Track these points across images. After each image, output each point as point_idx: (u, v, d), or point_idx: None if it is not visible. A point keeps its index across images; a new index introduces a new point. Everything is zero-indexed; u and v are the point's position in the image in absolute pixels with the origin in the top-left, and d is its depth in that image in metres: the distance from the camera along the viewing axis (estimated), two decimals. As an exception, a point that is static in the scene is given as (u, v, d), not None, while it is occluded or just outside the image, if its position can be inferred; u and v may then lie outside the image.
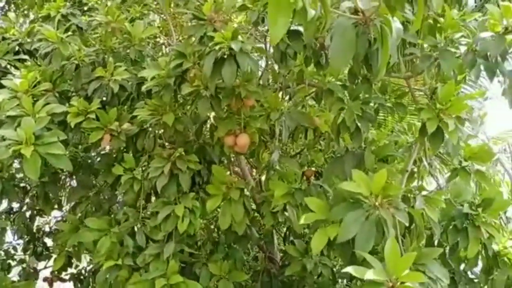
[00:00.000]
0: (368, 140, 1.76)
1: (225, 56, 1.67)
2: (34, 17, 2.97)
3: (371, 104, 1.67)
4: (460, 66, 1.51)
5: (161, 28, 3.29)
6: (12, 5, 3.72)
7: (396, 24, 1.28)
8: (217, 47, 1.62)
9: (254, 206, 2.40)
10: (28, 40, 2.63)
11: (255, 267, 2.79)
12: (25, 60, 2.51)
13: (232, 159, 2.49)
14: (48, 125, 1.87)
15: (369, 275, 1.09)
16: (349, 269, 1.14)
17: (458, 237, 1.62)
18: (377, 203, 1.35)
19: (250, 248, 2.98)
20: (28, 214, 2.82)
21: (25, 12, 3.38)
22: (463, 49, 1.51)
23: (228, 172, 2.47)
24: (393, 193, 1.38)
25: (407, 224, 1.37)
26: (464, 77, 1.64)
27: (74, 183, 2.81)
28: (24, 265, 2.90)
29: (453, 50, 1.52)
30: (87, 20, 2.53)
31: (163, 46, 3.28)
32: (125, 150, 2.10)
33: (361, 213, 1.36)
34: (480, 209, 1.61)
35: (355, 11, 1.29)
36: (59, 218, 3.18)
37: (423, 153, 1.64)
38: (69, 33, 2.30)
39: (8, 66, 2.47)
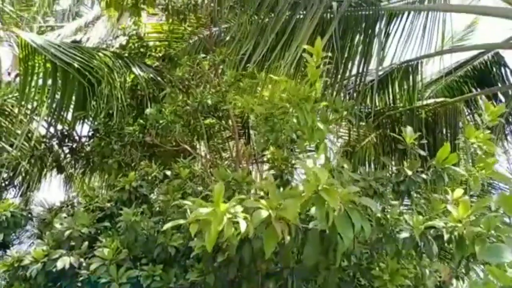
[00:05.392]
0: None
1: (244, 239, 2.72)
2: (111, 182, 4.30)
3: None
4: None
5: (202, 169, 4.56)
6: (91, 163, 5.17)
7: (349, 235, 2.25)
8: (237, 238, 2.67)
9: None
10: (108, 205, 3.91)
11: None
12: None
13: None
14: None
15: None
16: None
17: None
18: None
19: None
20: None
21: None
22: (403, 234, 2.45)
23: None
24: None
25: None
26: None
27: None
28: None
29: (400, 236, 2.46)
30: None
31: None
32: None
33: None
34: None
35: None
36: None
37: None
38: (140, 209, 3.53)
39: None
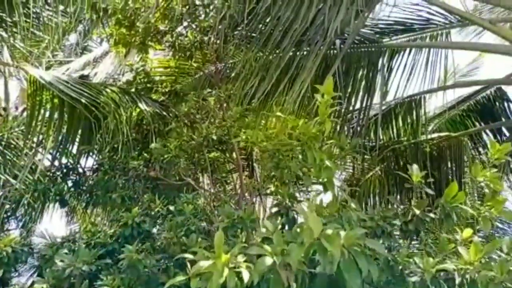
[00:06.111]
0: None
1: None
2: (113, 217, 4.25)
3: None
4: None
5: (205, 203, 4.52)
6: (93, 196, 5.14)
7: (356, 280, 2.18)
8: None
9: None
10: (110, 241, 3.85)
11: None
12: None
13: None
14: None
15: None
16: None
17: None
18: None
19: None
20: None
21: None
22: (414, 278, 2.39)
23: None
24: None
25: None
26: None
27: None
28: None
29: (411, 280, 2.40)
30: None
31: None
32: None
33: None
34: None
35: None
36: None
37: None
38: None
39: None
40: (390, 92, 5.63)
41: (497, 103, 6.04)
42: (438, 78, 5.65)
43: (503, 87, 5.95)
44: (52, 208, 5.87)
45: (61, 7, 5.03)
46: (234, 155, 4.97)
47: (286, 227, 3.08)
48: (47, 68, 6.96)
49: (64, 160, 4.92)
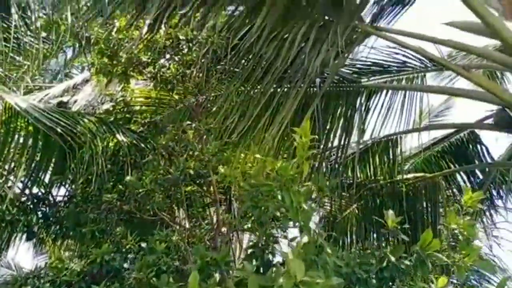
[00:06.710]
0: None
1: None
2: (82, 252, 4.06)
3: None
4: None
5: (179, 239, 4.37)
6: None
7: None
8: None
9: None
10: (76, 279, 3.65)
11: None
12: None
13: None
14: None
15: None
16: None
17: None
18: None
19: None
20: None
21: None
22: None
23: None
24: None
25: None
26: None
27: None
28: None
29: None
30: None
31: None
32: None
33: None
34: None
35: None
36: None
37: None
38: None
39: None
40: (367, 131, 5.70)
41: (470, 146, 6.18)
42: (413, 119, 5.77)
43: (476, 130, 6.11)
44: (20, 239, 5.61)
45: (43, 34, 4.98)
46: (211, 189, 4.87)
47: (261, 270, 2.98)
48: (27, 93, 6.80)
49: (35, 190, 4.74)
